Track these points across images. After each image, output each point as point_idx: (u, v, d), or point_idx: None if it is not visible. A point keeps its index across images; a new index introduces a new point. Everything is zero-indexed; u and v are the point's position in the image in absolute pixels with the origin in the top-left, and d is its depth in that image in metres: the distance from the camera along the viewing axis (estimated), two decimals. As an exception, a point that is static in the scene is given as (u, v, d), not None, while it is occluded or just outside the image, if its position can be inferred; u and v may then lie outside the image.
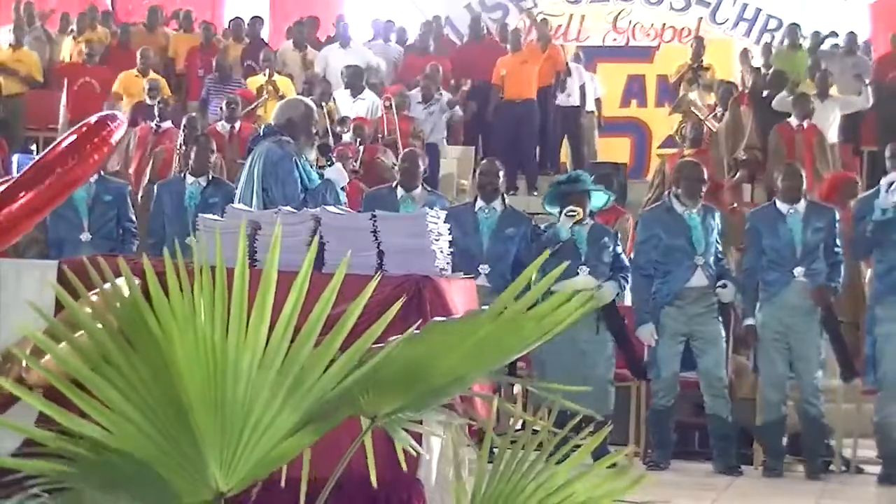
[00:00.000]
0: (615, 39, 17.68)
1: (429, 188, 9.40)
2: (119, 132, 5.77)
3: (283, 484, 2.50)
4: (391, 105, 13.65)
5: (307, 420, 2.15)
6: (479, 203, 8.74)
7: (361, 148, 12.70)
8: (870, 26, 16.52)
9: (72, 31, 16.04)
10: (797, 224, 8.34)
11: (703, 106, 14.03)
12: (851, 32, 15.26)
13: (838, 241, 8.39)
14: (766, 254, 8.37)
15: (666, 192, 8.86)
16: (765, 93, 13.38)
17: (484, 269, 8.33)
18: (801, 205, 8.42)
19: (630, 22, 17.67)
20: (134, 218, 9.48)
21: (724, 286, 8.37)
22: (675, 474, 8.17)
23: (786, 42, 15.46)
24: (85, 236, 9.05)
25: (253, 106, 14.02)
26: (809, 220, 8.36)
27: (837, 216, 8.52)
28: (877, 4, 16.82)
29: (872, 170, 14.12)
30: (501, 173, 8.95)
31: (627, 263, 8.63)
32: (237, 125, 13.02)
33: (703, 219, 8.46)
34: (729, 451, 8.33)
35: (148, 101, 13.73)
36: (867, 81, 14.17)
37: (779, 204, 8.48)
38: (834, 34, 15.49)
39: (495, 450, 2.36)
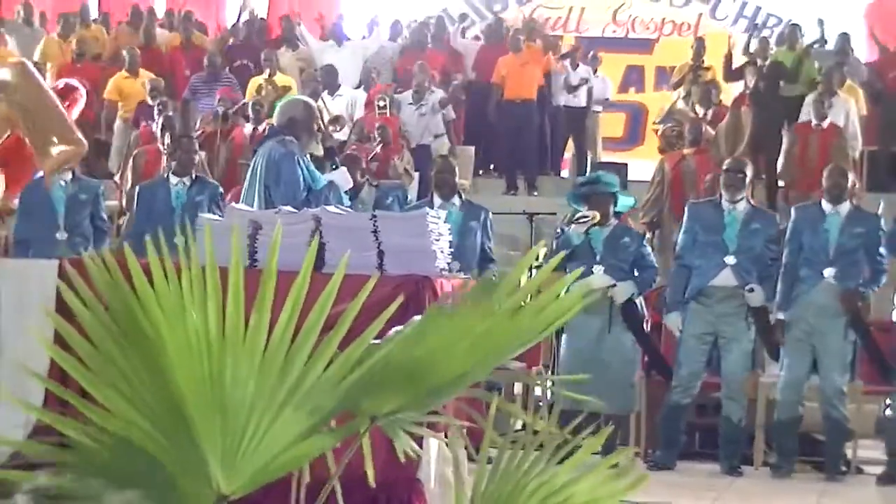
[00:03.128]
0: (615, 31, 17.67)
1: (375, 182, 9.48)
2: (79, 105, 5.82)
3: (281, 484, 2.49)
4: (386, 105, 13.67)
5: (312, 422, 2.14)
6: (438, 201, 8.74)
7: (379, 147, 12.75)
8: (866, 27, 16.50)
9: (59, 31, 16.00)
10: (836, 226, 8.25)
11: (689, 112, 14.00)
12: (844, 33, 15.22)
13: (882, 250, 8.29)
14: (804, 251, 8.31)
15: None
16: (762, 84, 13.36)
17: (454, 265, 8.27)
18: (845, 207, 8.33)
19: (630, 16, 17.66)
20: (105, 217, 9.58)
21: (752, 290, 8.29)
22: (675, 474, 8.16)
23: (785, 42, 15.41)
24: (61, 235, 9.13)
25: (239, 105, 13.99)
26: (850, 223, 8.27)
27: (883, 223, 8.44)
28: (874, 5, 16.82)
29: (872, 170, 14.14)
30: (456, 170, 9.05)
31: (655, 263, 8.61)
32: (261, 127, 13.03)
33: (747, 220, 8.37)
34: (735, 454, 8.32)
35: (150, 102, 13.73)
36: (861, 83, 14.18)
37: (823, 203, 8.39)
38: (823, 41, 15.45)
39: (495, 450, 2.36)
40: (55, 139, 5.43)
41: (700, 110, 13.65)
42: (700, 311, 8.35)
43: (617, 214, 8.60)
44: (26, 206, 9.38)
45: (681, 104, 14.31)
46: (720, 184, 8.61)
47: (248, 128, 13.25)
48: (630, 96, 17.08)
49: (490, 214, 8.99)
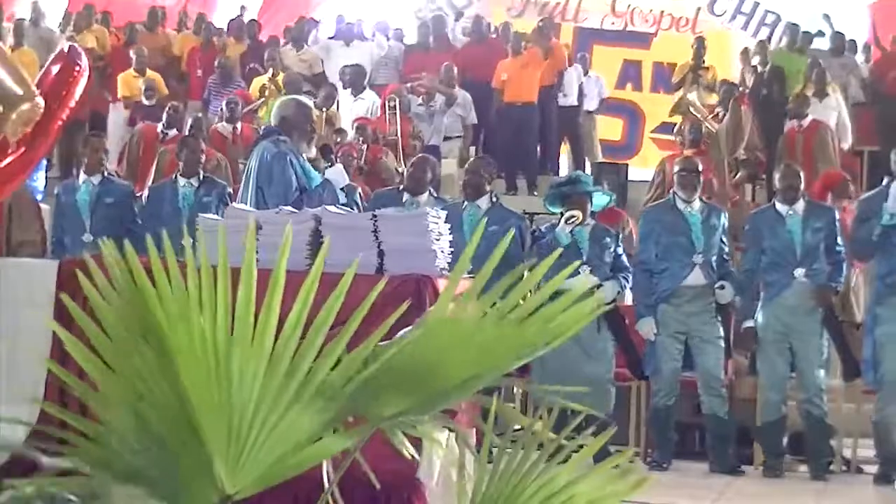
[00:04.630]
0: (613, 23, 17.58)
1: (436, 194, 9.35)
2: (82, 80, 5.80)
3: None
4: (396, 106, 13.67)
5: (318, 423, 2.14)
6: (465, 202, 8.76)
7: (364, 147, 12.72)
8: (868, 26, 16.51)
9: (70, 30, 15.99)
10: (797, 225, 8.32)
11: (702, 107, 14.03)
12: (838, 32, 15.23)
13: (839, 241, 8.37)
14: (767, 255, 8.37)
15: (671, 191, 8.86)
16: (763, 91, 13.38)
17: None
18: (800, 205, 8.41)
19: (629, 6, 17.56)
20: (138, 220, 9.53)
21: (722, 287, 8.36)
22: (675, 474, 8.17)
23: (784, 42, 15.43)
24: (87, 237, 9.10)
25: (252, 107, 14.03)
26: (808, 220, 8.34)
27: (837, 216, 8.51)
28: (876, 5, 16.83)
29: (872, 170, 14.14)
30: (488, 172, 8.99)
31: (628, 264, 8.64)
32: (239, 125, 13.04)
33: (706, 218, 8.47)
34: (726, 452, 8.32)
35: (145, 101, 13.73)
36: (857, 81, 14.21)
37: (778, 205, 8.48)
38: (821, 33, 15.48)
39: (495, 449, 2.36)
40: (12, 98, 5.40)
41: (719, 110, 13.63)
42: (670, 311, 8.42)
43: (592, 214, 8.61)
44: (61, 208, 9.43)
45: (692, 96, 14.28)
46: (674, 183, 8.68)
47: (223, 126, 13.24)
48: (627, 94, 17.02)
49: (524, 223, 8.93)
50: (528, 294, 2.26)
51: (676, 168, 8.79)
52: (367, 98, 14.53)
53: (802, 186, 8.56)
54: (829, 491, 7.89)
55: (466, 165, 9.18)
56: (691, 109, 13.91)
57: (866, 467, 8.51)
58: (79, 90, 5.77)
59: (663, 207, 8.73)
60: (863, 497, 7.99)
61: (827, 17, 15.61)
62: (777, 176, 8.65)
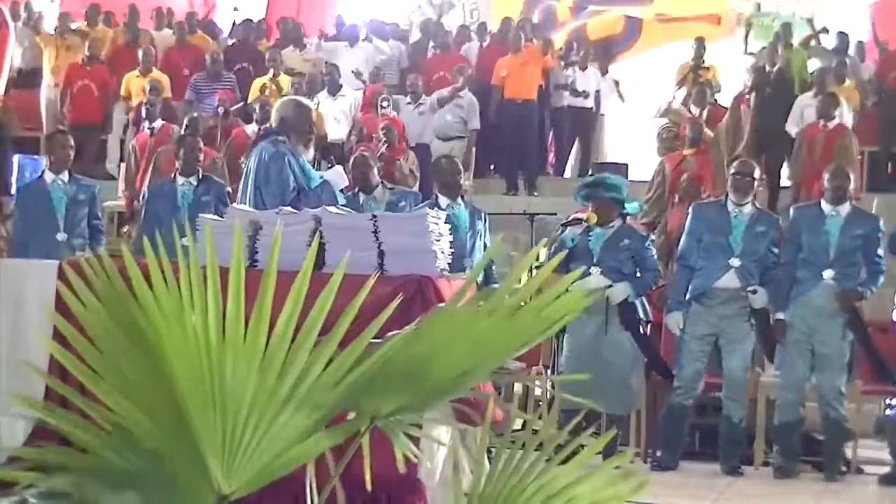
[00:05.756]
0: None
1: (390, 185, 9.50)
2: (11, 38, 5.80)
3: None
4: (389, 105, 13.69)
5: (313, 422, 2.14)
6: (444, 202, 8.76)
7: (384, 148, 12.73)
8: (870, 27, 16.51)
9: (58, 29, 15.95)
10: (836, 227, 8.25)
11: (688, 113, 14.02)
12: (842, 33, 15.24)
13: (880, 252, 8.30)
14: (802, 251, 8.31)
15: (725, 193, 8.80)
16: (767, 90, 13.37)
17: (468, 262, 8.33)
18: (845, 208, 8.34)
19: None
20: (101, 216, 9.60)
21: (755, 291, 8.29)
22: (675, 474, 8.17)
23: (794, 42, 15.41)
24: (61, 236, 9.12)
25: (239, 105, 14.04)
26: (850, 224, 8.26)
27: (882, 225, 8.45)
28: (877, 5, 16.82)
29: (872, 170, 14.14)
30: (462, 172, 9.14)
31: (657, 265, 8.63)
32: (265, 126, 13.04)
33: (752, 223, 8.38)
34: (732, 455, 8.30)
35: (150, 101, 13.71)
36: (860, 81, 14.19)
37: (823, 204, 8.40)
38: (825, 30, 15.49)
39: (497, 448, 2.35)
40: None
41: (696, 110, 13.66)
42: (702, 312, 8.35)
43: (623, 216, 8.58)
44: (25, 208, 9.41)
45: (676, 104, 14.31)
46: (728, 185, 8.61)
47: (251, 128, 13.27)
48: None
49: (487, 218, 9.02)
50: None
51: (732, 170, 8.71)
52: (349, 95, 14.54)
53: (851, 188, 8.50)
54: (829, 491, 7.88)
55: (440, 167, 9.22)
56: (679, 117, 13.92)
57: (867, 468, 8.50)
58: (10, 48, 5.78)
59: (714, 206, 8.66)
60: (863, 497, 7.98)
61: (810, 21, 15.62)
62: (826, 176, 8.55)
